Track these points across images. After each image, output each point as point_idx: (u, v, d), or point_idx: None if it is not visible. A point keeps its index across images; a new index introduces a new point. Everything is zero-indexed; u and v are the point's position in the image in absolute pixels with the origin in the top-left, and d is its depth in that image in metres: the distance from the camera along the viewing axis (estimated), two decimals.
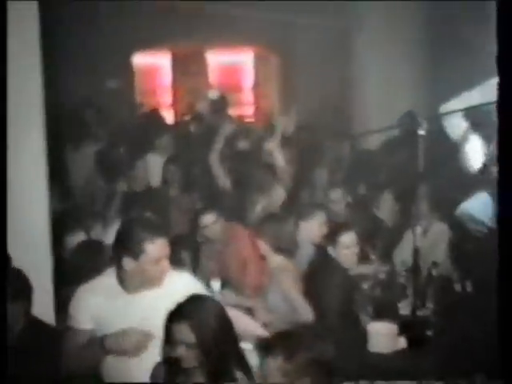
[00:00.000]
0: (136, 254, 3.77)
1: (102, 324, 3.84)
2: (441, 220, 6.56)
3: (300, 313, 5.16)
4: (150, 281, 3.83)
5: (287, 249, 5.46)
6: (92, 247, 5.20)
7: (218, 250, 6.09)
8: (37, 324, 4.17)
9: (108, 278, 3.93)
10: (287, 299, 5.20)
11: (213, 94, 4.97)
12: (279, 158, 7.11)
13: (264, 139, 8.51)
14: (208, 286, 5.55)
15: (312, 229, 5.91)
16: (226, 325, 3.32)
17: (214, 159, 7.09)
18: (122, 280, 3.88)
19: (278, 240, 5.40)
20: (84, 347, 3.86)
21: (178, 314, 3.26)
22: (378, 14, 9.90)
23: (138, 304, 3.80)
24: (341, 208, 7.00)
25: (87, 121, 9.57)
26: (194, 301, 3.35)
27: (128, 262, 3.79)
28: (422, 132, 4.55)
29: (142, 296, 3.83)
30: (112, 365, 3.84)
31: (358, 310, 5.47)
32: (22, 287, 4.10)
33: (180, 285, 3.84)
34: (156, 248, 3.77)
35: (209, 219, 5.96)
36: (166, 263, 3.84)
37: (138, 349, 3.71)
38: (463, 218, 4.66)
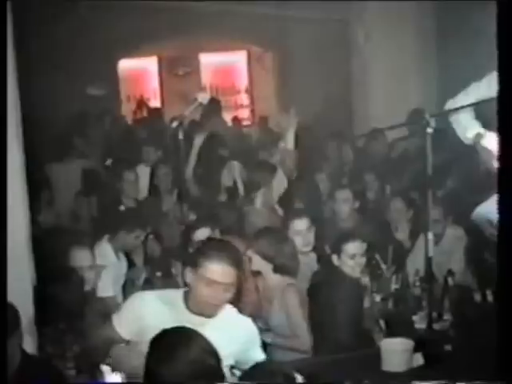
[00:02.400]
0: (196, 266, 3.89)
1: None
2: (456, 225, 6.52)
3: (299, 339, 5.11)
4: (205, 305, 3.93)
5: (288, 267, 5.38)
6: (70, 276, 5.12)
7: None
8: (32, 359, 4.20)
9: (175, 293, 4.09)
10: (289, 322, 5.15)
11: (203, 98, 4.91)
12: (291, 140, 7.30)
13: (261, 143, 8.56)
14: None
15: (298, 238, 5.87)
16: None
17: (189, 174, 7.28)
18: (185, 298, 4.02)
19: (276, 256, 5.33)
20: None
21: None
22: (379, 4, 9.88)
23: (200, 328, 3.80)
24: (347, 211, 6.97)
25: (70, 133, 9.55)
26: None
27: (188, 273, 3.94)
28: (430, 130, 4.54)
29: (200, 322, 3.85)
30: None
31: (369, 325, 5.44)
32: (15, 320, 4.12)
33: (237, 328, 4.03)
34: (215, 270, 3.85)
35: (203, 233, 5.95)
36: (221, 294, 3.91)
37: None
38: (479, 222, 4.60)
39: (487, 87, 4.47)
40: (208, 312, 3.95)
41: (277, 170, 7.09)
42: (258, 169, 7.31)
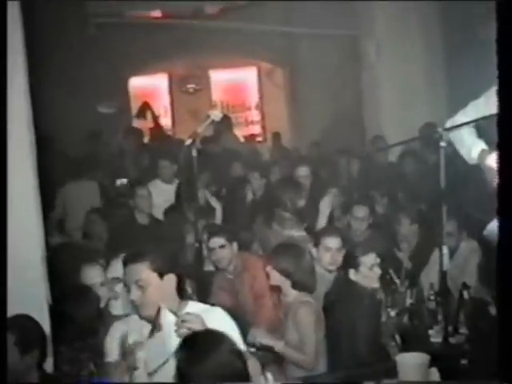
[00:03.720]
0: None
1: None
2: (470, 238, 6.51)
3: (304, 356, 5.11)
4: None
5: (306, 282, 5.38)
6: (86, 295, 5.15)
7: (227, 281, 6.12)
8: (49, 378, 4.33)
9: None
10: (299, 338, 5.15)
11: (215, 115, 4.94)
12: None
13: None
14: None
15: (327, 254, 5.87)
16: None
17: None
18: None
19: (294, 272, 5.33)
20: None
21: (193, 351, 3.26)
22: (390, 20, 9.92)
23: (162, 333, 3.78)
24: (364, 228, 6.98)
25: (82, 151, 9.61)
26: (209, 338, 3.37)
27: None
28: (443, 144, 4.55)
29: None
30: None
31: (384, 340, 5.42)
32: (33, 337, 4.26)
33: (210, 318, 3.78)
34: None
35: (216, 242, 5.99)
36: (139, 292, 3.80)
37: None
38: (492, 237, 4.60)
39: (485, 105, 4.47)
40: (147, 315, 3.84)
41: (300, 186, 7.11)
42: (281, 185, 7.32)
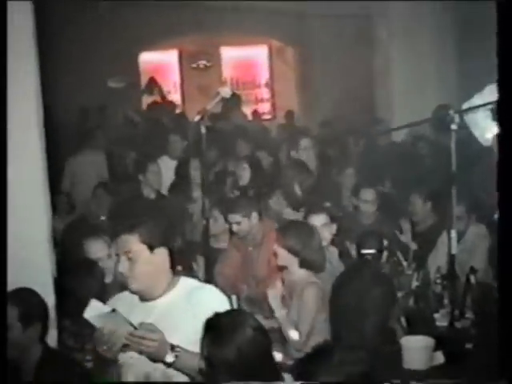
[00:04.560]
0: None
1: None
2: (478, 222, 6.47)
3: (302, 333, 5.05)
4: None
5: (314, 261, 5.35)
6: (90, 269, 5.13)
7: (243, 255, 6.13)
8: (54, 355, 4.31)
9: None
10: (298, 316, 5.13)
11: (225, 92, 4.89)
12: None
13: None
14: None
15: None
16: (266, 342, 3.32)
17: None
18: None
19: (302, 250, 5.29)
20: None
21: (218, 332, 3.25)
22: (403, 1, 9.83)
23: (149, 315, 3.69)
24: (371, 211, 6.96)
25: (91, 125, 9.59)
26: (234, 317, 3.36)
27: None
28: (454, 127, 4.51)
29: (156, 306, 3.73)
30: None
31: (390, 322, 5.41)
32: (36, 310, 4.26)
33: (201, 296, 3.73)
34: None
35: (233, 219, 6.05)
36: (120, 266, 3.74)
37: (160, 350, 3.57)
38: None
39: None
40: (145, 291, 3.76)
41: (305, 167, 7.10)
42: (290, 165, 7.30)
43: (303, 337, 5.03)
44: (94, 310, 3.54)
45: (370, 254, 5.59)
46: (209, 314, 3.34)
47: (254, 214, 6.08)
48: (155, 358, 3.55)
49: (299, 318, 5.07)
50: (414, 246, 6.67)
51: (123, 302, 3.84)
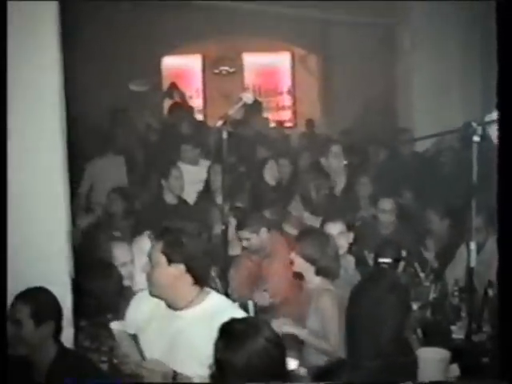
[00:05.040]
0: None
1: (143, 339, 3.84)
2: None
3: (329, 342, 5.05)
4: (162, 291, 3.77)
5: (330, 269, 5.34)
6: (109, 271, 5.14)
7: (255, 264, 6.14)
8: (68, 354, 4.31)
9: None
10: (322, 325, 5.11)
11: (248, 98, 4.89)
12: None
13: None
14: (243, 306, 5.54)
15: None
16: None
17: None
18: None
19: (319, 258, 5.29)
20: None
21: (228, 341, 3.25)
22: (426, 9, 9.81)
23: (173, 323, 3.74)
24: (389, 221, 6.94)
25: (112, 128, 9.61)
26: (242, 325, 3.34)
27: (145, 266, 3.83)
28: (477, 139, 4.48)
29: (179, 316, 3.76)
30: None
31: (406, 333, 5.37)
32: (49, 309, 4.25)
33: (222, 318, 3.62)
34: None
35: (242, 235, 6.12)
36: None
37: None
38: None
39: None
40: (166, 300, 3.80)
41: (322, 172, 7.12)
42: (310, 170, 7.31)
43: (336, 345, 4.99)
44: (120, 326, 3.58)
45: (386, 263, 5.58)
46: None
47: (263, 230, 6.14)
48: None
49: (324, 326, 5.08)
50: (435, 264, 6.65)
51: (150, 301, 3.87)
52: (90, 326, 4.74)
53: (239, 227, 6.15)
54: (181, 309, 3.75)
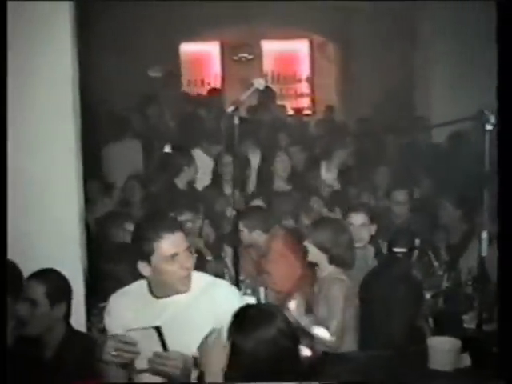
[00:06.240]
0: (146, 255, 3.65)
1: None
2: None
3: (331, 330, 5.01)
4: (173, 284, 3.69)
5: (344, 258, 5.33)
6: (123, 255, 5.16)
7: (256, 256, 6.17)
8: (76, 335, 4.37)
9: (140, 285, 3.85)
10: (328, 314, 5.11)
11: (259, 84, 4.87)
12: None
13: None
14: (254, 292, 5.55)
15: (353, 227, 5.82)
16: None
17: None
18: (149, 287, 3.79)
19: (333, 247, 5.27)
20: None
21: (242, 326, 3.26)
22: None
23: (168, 313, 3.70)
24: (404, 212, 6.91)
25: (129, 113, 9.62)
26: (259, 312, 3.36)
27: (143, 267, 3.69)
28: (489, 127, 4.44)
29: (172, 303, 3.72)
30: None
31: (418, 322, 5.37)
32: (62, 289, 4.31)
33: (217, 292, 3.73)
34: (165, 243, 3.61)
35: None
36: (186, 261, 3.66)
37: (182, 376, 3.53)
38: None
39: None
40: (183, 288, 3.70)
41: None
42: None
43: (334, 334, 5.01)
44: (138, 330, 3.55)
45: (400, 252, 5.56)
46: (226, 309, 3.37)
47: (258, 231, 6.09)
48: (181, 380, 3.53)
49: (328, 314, 5.06)
50: (449, 253, 6.62)
51: (135, 293, 3.83)
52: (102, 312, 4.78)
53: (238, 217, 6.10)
54: (170, 295, 3.72)
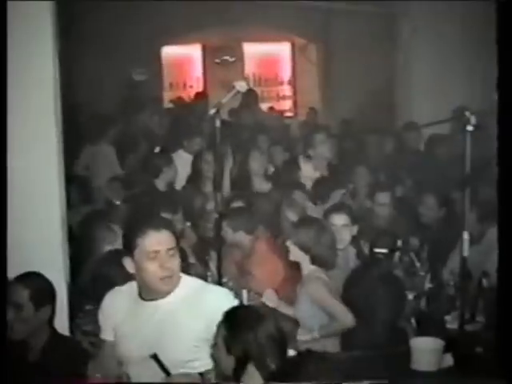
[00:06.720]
0: (130, 251, 3.64)
1: (122, 335, 3.78)
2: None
3: (339, 319, 5.07)
4: (154, 283, 3.65)
5: (325, 258, 5.34)
6: (114, 258, 5.13)
7: (240, 257, 6.14)
8: (61, 339, 4.38)
9: (131, 286, 3.84)
10: (323, 308, 5.12)
11: (241, 86, 4.86)
12: None
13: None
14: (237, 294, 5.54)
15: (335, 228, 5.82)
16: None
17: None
18: (138, 289, 3.78)
19: (314, 247, 5.28)
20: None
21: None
22: None
23: (156, 316, 3.69)
24: (386, 214, 6.92)
25: (111, 116, 9.60)
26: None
27: (128, 263, 3.69)
28: (470, 128, 4.46)
29: (161, 306, 3.70)
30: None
31: (401, 323, 5.39)
32: (46, 293, 4.31)
33: (209, 298, 3.69)
34: (148, 240, 3.59)
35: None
36: (167, 261, 3.62)
37: None
38: None
39: None
40: (165, 288, 3.66)
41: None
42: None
43: (344, 315, 5.07)
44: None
45: (382, 253, 5.57)
46: (218, 314, 3.40)
47: (241, 232, 6.07)
48: None
49: (327, 308, 5.11)
50: (431, 254, 6.63)
51: (127, 294, 3.83)
52: (85, 314, 4.77)
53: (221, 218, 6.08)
54: (159, 298, 3.70)
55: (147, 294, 3.71)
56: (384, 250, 5.56)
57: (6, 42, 3.88)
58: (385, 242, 5.64)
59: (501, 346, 2.86)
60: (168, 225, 3.76)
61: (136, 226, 3.68)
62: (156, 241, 3.61)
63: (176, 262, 3.68)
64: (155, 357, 3.48)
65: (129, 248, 3.66)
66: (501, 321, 2.90)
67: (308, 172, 7.53)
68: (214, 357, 3.43)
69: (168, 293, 3.69)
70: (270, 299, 5.31)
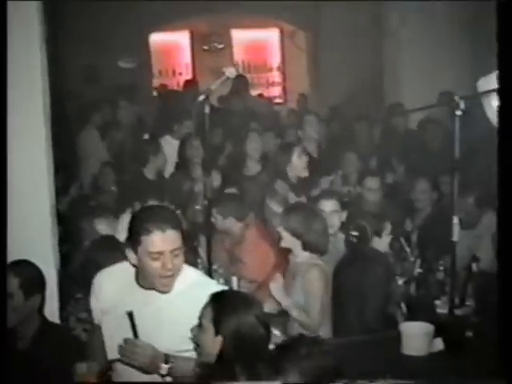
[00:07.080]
0: (134, 245, 3.59)
1: (115, 317, 3.72)
2: (492, 210, 6.38)
3: (310, 317, 5.06)
4: (153, 282, 3.62)
5: (317, 244, 5.34)
6: (106, 244, 5.13)
7: (230, 244, 6.16)
8: (51, 327, 4.39)
9: (126, 268, 3.77)
10: (305, 299, 5.12)
11: (230, 72, 4.84)
12: None
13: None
14: (227, 281, 5.55)
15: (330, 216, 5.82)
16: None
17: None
18: (136, 273, 3.74)
19: (306, 233, 5.28)
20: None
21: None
22: None
23: (151, 305, 3.68)
24: (375, 199, 6.92)
25: (99, 104, 9.56)
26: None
27: (129, 254, 3.64)
28: (459, 113, 4.45)
29: (157, 296, 3.67)
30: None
31: (391, 308, 5.40)
32: (36, 281, 4.33)
33: (205, 292, 3.55)
34: (152, 240, 3.52)
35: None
36: (169, 262, 3.56)
37: (150, 368, 3.56)
38: None
39: None
40: (163, 288, 3.64)
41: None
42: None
43: (316, 321, 5.04)
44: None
45: (355, 235, 5.56)
46: None
47: (231, 219, 6.06)
48: (149, 371, 3.56)
49: (307, 300, 5.08)
50: (421, 239, 6.64)
51: (121, 275, 3.81)
52: (76, 301, 4.77)
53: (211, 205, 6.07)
54: (152, 288, 3.67)
55: (145, 283, 3.68)
56: (356, 233, 5.54)
57: (6, 42, 3.84)
58: (371, 226, 5.64)
59: (501, 344, 2.85)
60: (175, 223, 3.63)
61: (141, 223, 3.58)
62: (161, 242, 3.53)
63: (179, 262, 3.63)
64: (130, 315, 3.47)
65: (132, 242, 3.60)
66: (501, 316, 2.90)
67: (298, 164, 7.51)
68: (196, 340, 3.40)
69: (165, 292, 3.66)
70: (277, 290, 5.24)
